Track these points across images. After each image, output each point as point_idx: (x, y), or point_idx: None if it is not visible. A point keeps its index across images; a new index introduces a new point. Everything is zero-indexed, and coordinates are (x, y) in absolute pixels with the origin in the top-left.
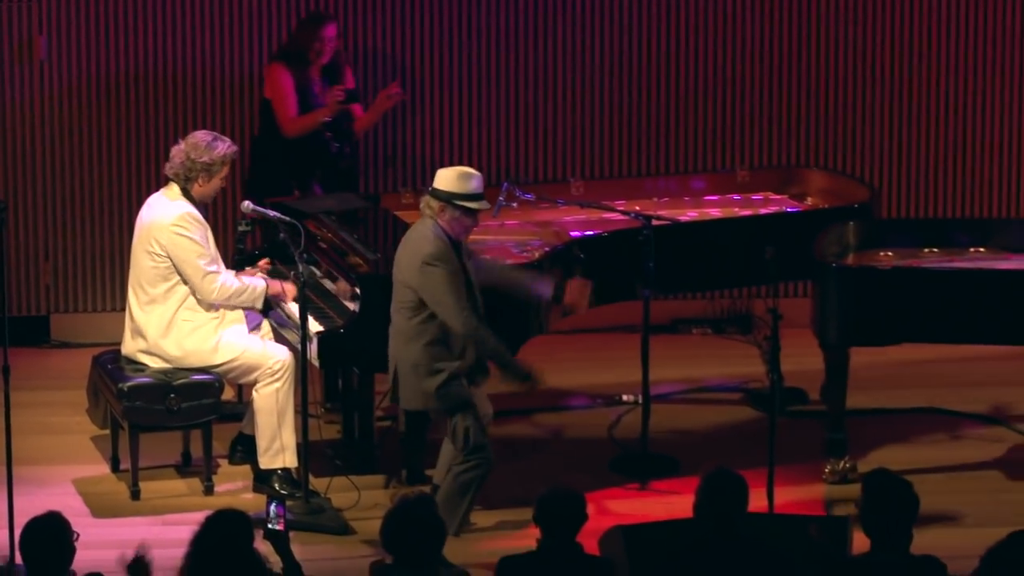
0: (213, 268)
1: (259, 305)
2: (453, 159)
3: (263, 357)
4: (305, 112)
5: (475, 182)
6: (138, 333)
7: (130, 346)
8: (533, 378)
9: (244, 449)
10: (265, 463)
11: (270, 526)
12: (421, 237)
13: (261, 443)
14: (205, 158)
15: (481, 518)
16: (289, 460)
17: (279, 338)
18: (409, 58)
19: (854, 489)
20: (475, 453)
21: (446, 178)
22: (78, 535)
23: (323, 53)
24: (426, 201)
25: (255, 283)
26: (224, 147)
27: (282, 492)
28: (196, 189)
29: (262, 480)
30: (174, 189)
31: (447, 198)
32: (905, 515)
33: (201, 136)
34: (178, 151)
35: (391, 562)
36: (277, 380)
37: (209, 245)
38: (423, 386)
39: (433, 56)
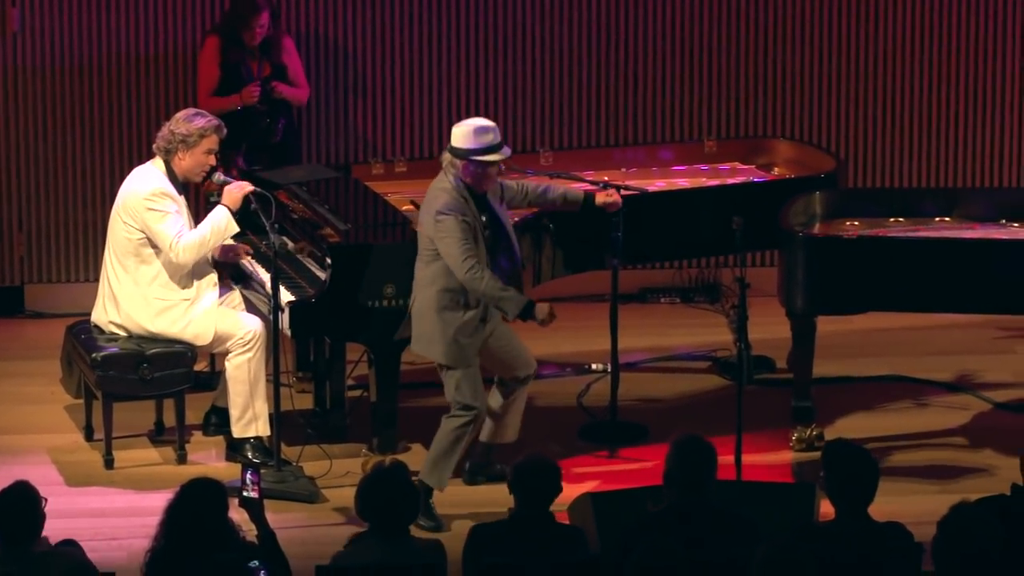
0: (181, 237)
1: (232, 229)
2: (424, 131)
3: (235, 327)
4: (233, 89)
5: (490, 135)
6: (111, 300)
7: (101, 315)
8: (535, 313)
9: (218, 421)
10: (238, 432)
11: (245, 493)
12: (439, 190)
13: (234, 412)
14: (182, 130)
15: (454, 488)
16: (262, 429)
17: (250, 308)
18: (381, 27)
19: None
20: (466, 410)
21: (462, 135)
22: (46, 500)
23: (256, 38)
24: (448, 159)
25: (215, 216)
26: (203, 121)
27: (255, 461)
28: (178, 163)
29: (235, 449)
30: (158, 162)
31: (464, 155)
32: (866, 482)
33: (184, 111)
34: (164, 125)
35: (366, 530)
36: (249, 350)
37: (180, 218)
38: (431, 331)
39: (403, 26)
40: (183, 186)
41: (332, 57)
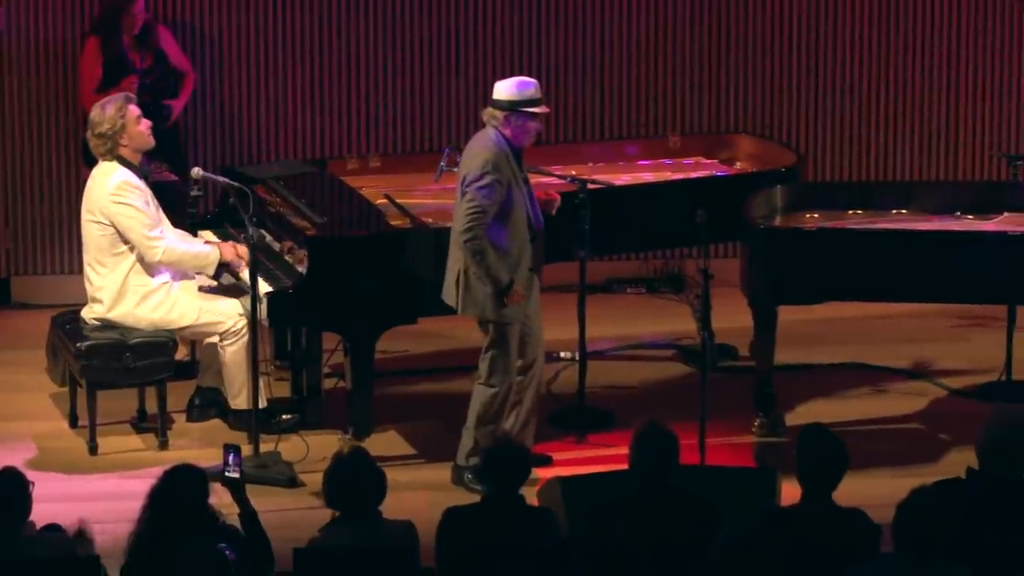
0: (155, 233)
1: (210, 272)
2: (401, 124)
3: (221, 316)
4: (117, 83)
5: (533, 88)
6: (95, 300)
7: (88, 313)
8: (507, 300)
9: (202, 403)
10: (239, 404)
11: (227, 473)
12: (481, 146)
13: (232, 389)
14: (106, 126)
15: (429, 472)
16: (260, 401)
17: (228, 293)
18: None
19: (783, 442)
20: (493, 387)
21: (506, 89)
22: (33, 484)
23: (134, 26)
24: (489, 112)
25: (206, 250)
26: (112, 105)
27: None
28: (125, 151)
29: (238, 416)
30: (111, 162)
31: (510, 107)
32: (835, 469)
33: (93, 115)
34: (90, 138)
35: (336, 517)
36: (242, 336)
37: (150, 208)
38: (478, 295)
39: (353, 22)
40: (145, 176)
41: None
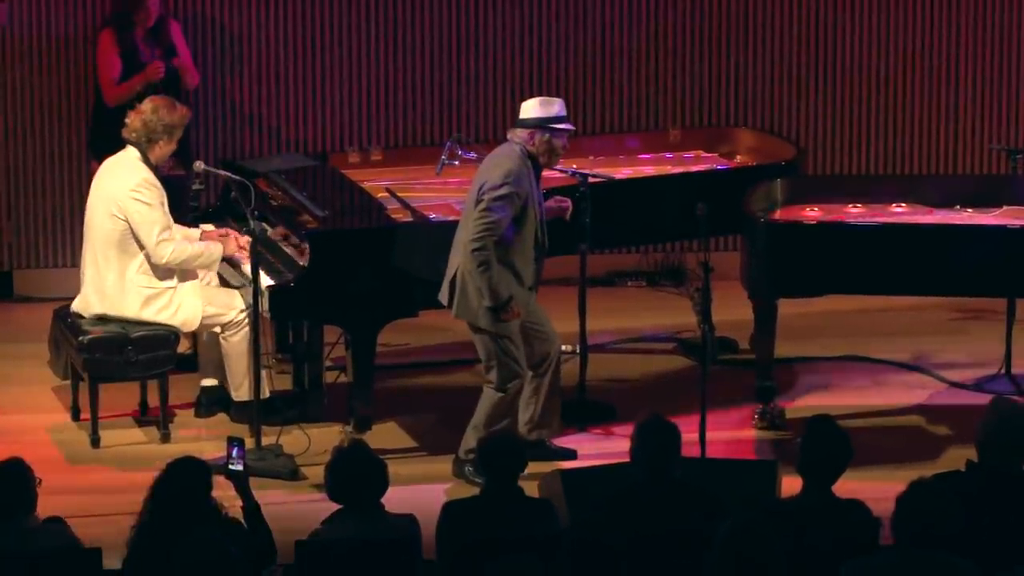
0: (166, 235)
1: (215, 269)
2: (403, 119)
3: (223, 309)
4: (131, 76)
5: (557, 106)
6: (96, 292)
7: (85, 306)
8: (501, 316)
9: (207, 402)
10: (240, 396)
11: (231, 466)
12: (504, 156)
13: (234, 381)
14: (168, 119)
15: (430, 465)
16: (264, 391)
17: (230, 287)
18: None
19: (783, 434)
20: (503, 392)
21: (532, 107)
22: (40, 481)
23: (148, 19)
24: (514, 132)
25: (210, 248)
26: (184, 109)
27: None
28: (155, 151)
29: (240, 408)
30: (131, 152)
31: (537, 124)
32: (840, 463)
33: (163, 98)
34: (137, 115)
35: (339, 510)
36: (244, 327)
37: (164, 209)
38: (473, 302)
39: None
40: (161, 179)
41: (230, 45)
